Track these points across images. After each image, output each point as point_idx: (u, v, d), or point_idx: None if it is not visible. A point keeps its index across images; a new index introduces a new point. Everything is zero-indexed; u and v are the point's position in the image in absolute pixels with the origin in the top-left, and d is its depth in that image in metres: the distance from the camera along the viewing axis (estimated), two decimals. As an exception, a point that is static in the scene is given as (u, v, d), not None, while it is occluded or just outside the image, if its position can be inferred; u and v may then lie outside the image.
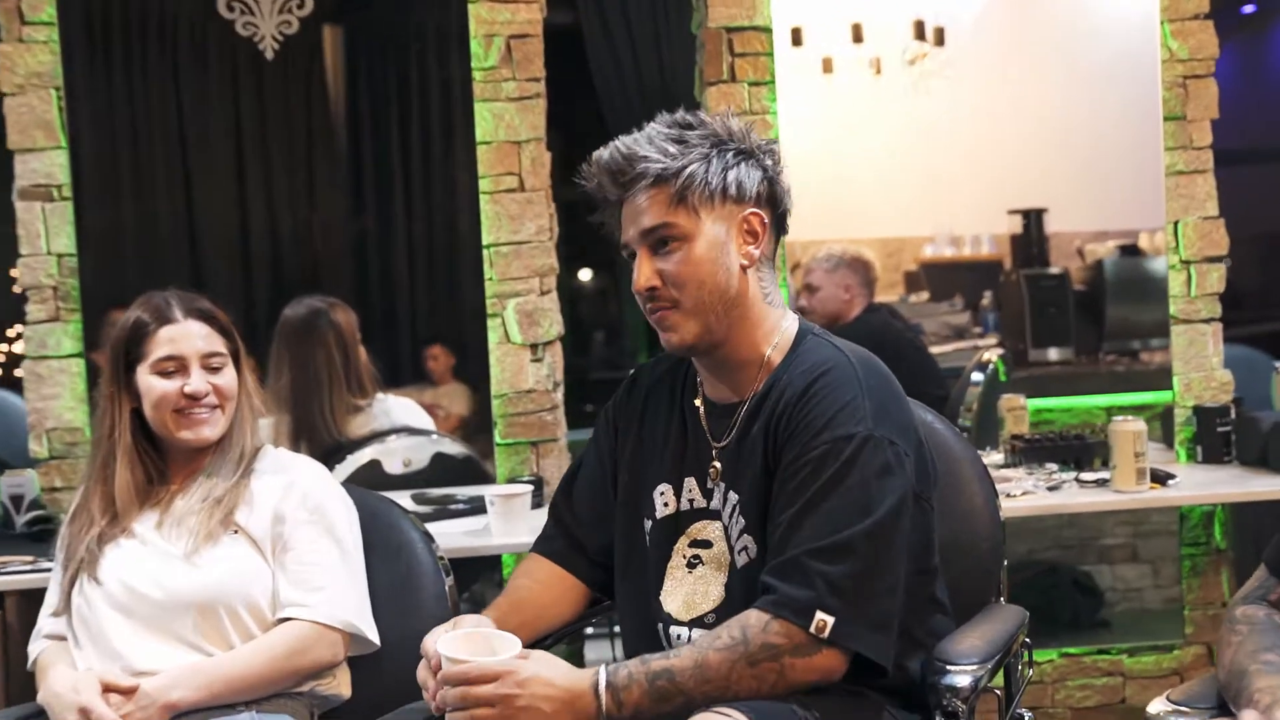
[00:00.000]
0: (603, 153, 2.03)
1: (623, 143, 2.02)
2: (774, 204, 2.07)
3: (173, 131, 4.35)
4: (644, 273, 2.00)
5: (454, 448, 4.13)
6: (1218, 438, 3.88)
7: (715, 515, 2.06)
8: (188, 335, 2.48)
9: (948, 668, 2.00)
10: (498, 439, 3.87)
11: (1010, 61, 4.91)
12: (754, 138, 2.06)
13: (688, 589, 2.07)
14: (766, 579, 1.88)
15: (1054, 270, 5.05)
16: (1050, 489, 3.56)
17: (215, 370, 2.50)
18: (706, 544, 2.06)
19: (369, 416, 4.02)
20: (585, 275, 7.45)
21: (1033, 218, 5.38)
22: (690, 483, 2.09)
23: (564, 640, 2.28)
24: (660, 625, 2.09)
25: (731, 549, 2.02)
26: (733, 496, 2.02)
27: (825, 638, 1.85)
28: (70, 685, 2.31)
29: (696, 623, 2.05)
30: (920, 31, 4.82)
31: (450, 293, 4.85)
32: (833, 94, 4.69)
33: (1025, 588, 4.66)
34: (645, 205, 1.99)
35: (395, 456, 3.97)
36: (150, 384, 2.48)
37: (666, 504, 2.11)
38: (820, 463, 1.88)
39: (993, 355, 4.68)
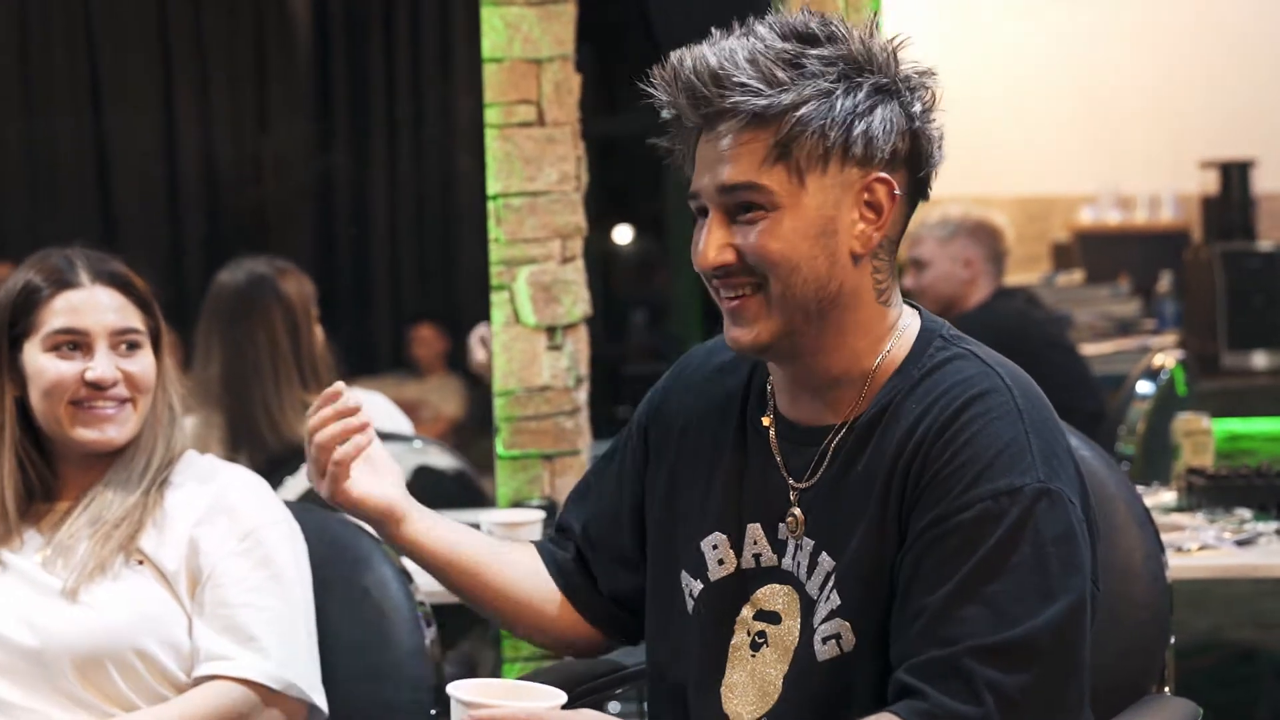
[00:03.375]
0: (685, 59, 1.83)
1: (715, 53, 1.81)
2: (914, 165, 1.85)
3: (78, 31, 4.07)
4: (711, 244, 1.83)
5: (443, 459, 3.87)
6: None
7: (788, 579, 1.91)
8: (94, 305, 2.36)
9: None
10: (500, 450, 3.53)
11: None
12: (902, 64, 1.84)
13: (758, 679, 1.95)
14: (910, 679, 1.74)
15: (1262, 246, 4.62)
16: (1239, 543, 3.23)
17: (128, 353, 2.37)
18: (774, 617, 1.93)
19: None
20: (622, 236, 7.01)
21: (1234, 173, 5.07)
22: (755, 531, 1.94)
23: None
24: None
25: (808, 631, 1.87)
26: (825, 561, 1.87)
27: None
28: None
29: None
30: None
31: (447, 257, 4.85)
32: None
33: (1205, 678, 4.54)
34: (730, 150, 1.81)
35: None
36: (41, 365, 2.36)
37: (722, 560, 1.96)
38: (978, 527, 1.75)
39: (1168, 360, 4.31)
